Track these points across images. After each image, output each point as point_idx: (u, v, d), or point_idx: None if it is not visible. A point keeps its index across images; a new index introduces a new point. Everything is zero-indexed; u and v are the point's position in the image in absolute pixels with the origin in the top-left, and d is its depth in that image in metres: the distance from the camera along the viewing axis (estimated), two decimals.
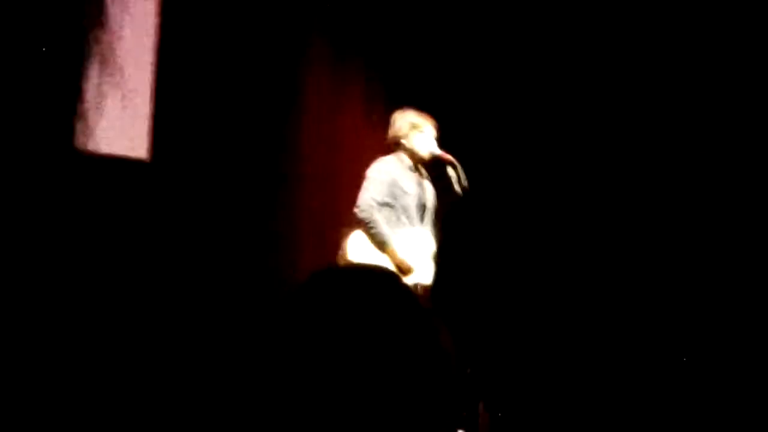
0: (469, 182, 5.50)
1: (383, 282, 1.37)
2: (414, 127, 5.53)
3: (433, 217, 5.59)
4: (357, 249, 5.30)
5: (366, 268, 1.42)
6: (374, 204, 5.28)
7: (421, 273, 5.40)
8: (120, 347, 4.94)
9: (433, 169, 5.67)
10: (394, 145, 5.59)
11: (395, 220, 5.37)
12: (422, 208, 5.53)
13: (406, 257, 5.30)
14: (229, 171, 5.79)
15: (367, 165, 5.63)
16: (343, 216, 5.47)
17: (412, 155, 5.56)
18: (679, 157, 6.05)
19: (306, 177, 6.31)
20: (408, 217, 5.42)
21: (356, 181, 5.50)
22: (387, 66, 6.81)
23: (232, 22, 5.86)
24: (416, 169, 5.62)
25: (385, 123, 5.86)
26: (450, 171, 5.51)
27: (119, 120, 5.12)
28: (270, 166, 6.07)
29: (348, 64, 6.61)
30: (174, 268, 5.34)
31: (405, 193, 5.40)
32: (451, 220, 5.61)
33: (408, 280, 5.27)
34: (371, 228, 5.26)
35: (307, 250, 6.19)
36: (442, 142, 5.67)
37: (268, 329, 1.30)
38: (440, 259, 5.55)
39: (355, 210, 5.30)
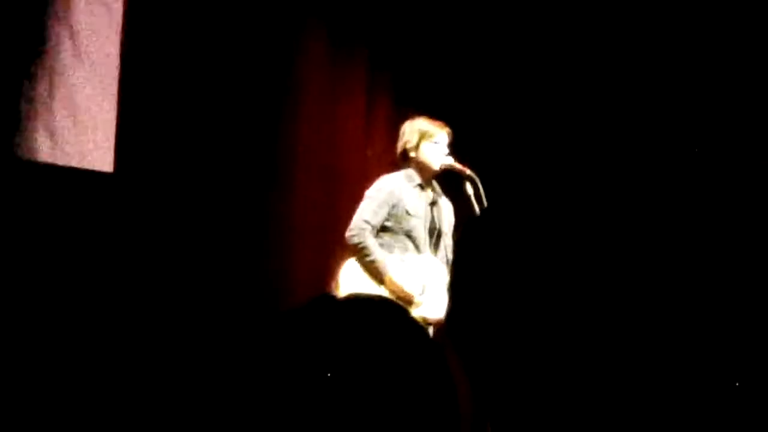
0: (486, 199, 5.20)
1: (386, 313, 1.33)
2: (424, 136, 5.23)
3: (451, 243, 5.30)
4: (351, 279, 5.13)
5: (366, 298, 1.37)
6: (367, 227, 5.10)
7: (429, 306, 5.13)
8: (82, 369, 4.94)
9: (447, 185, 5.39)
10: (403, 160, 5.31)
11: (400, 246, 5.17)
12: (434, 232, 5.28)
13: (408, 286, 5.09)
14: (212, 178, 5.61)
15: (369, 171, 5.57)
16: (342, 234, 5.25)
17: (422, 169, 5.26)
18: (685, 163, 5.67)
19: (300, 185, 6.05)
20: (415, 244, 5.19)
21: (358, 185, 5.34)
22: (395, 57, 6.47)
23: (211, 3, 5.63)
24: (428, 187, 5.32)
25: (392, 123, 5.78)
26: (467, 187, 5.21)
27: (82, 130, 5.09)
28: (258, 172, 5.86)
29: (348, 55, 6.32)
30: (150, 285, 5.27)
31: (410, 215, 5.17)
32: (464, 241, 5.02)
33: (414, 313, 4.98)
34: (364, 254, 5.09)
35: (300, 271, 5.93)
36: (458, 152, 5.33)
37: (256, 364, 1.27)
38: (456, 288, 4.86)
39: (347, 234, 5.13)
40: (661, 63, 6.29)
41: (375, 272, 5.09)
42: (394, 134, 5.47)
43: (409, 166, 5.28)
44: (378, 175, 5.34)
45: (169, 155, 5.44)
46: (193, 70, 5.51)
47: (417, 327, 1.33)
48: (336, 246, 5.38)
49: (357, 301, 1.36)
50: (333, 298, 1.37)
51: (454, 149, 5.31)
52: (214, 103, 5.59)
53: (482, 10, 6.50)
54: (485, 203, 5.19)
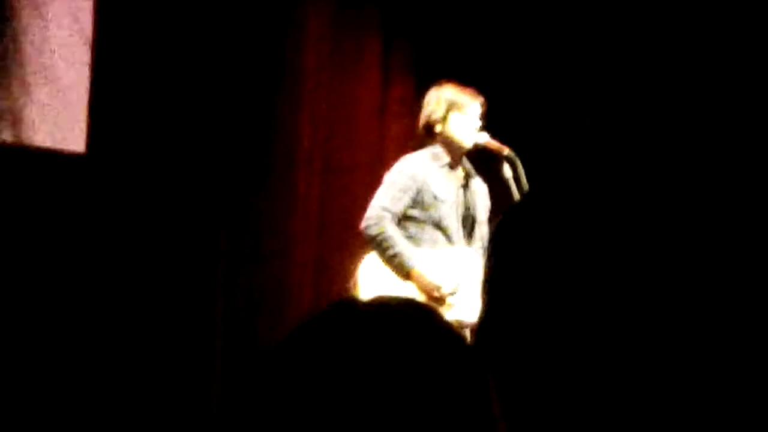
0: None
1: (415, 318, 1.23)
2: (453, 106, 4.84)
3: (487, 231, 4.91)
4: (372, 278, 4.82)
5: (391, 301, 1.27)
6: (386, 214, 4.76)
7: (465, 306, 4.77)
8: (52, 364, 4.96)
9: (481, 163, 5.01)
10: (427, 136, 4.91)
11: (429, 239, 4.83)
12: (468, 220, 4.93)
13: (440, 281, 4.73)
14: (196, 168, 5.48)
15: (386, 157, 5.39)
16: (355, 231, 4.95)
17: (451, 147, 4.86)
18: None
19: (300, 173, 5.83)
20: (446, 234, 4.84)
21: (374, 182, 5.00)
22: (414, 23, 6.19)
23: None
24: (458, 166, 4.91)
25: (410, 99, 5.60)
26: (505, 168, 4.82)
27: (52, 110, 5.10)
28: (251, 164, 5.70)
29: (358, 17, 6.09)
30: (118, 281, 5.19)
31: (438, 200, 4.82)
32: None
33: (447, 315, 4.71)
34: (384, 246, 4.74)
35: (299, 279, 5.77)
36: (493, 127, 4.93)
37: (261, 386, 1.20)
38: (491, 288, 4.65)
39: (362, 225, 4.78)
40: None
41: (399, 267, 4.76)
42: (415, 111, 5.13)
43: (435, 143, 4.88)
44: (396, 159, 5.00)
45: (152, 141, 5.42)
46: (177, 48, 5.43)
47: (451, 334, 1.26)
48: (348, 242, 5.13)
49: (381, 305, 1.29)
50: (353, 304, 1.31)
51: (489, 123, 4.91)
52: (195, 82, 5.50)
53: None
54: (525, 186, 4.82)
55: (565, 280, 1.02)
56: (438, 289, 4.76)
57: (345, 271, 5.02)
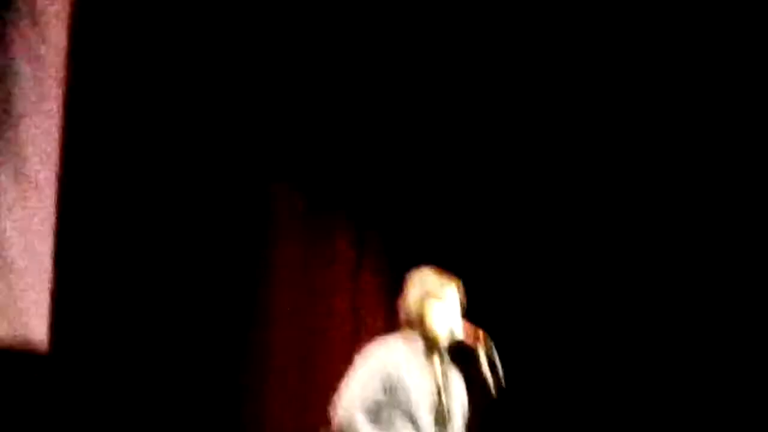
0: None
1: None
2: (429, 294, 4.64)
3: (463, 425, 4.68)
4: None
5: None
6: (358, 405, 4.52)
7: None
8: None
9: (459, 350, 4.75)
10: (406, 324, 4.71)
11: (399, 427, 4.54)
12: (442, 413, 4.65)
13: None
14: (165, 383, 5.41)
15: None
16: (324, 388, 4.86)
17: (427, 334, 4.65)
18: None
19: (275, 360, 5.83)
20: (417, 426, 4.56)
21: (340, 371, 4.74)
22: (381, 209, 6.34)
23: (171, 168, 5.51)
24: (435, 354, 4.68)
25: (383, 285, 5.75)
26: (482, 358, 4.60)
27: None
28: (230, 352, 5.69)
29: (325, 218, 6.17)
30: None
31: (409, 389, 4.56)
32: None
33: None
34: None
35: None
36: (472, 311, 4.73)
37: None
38: None
39: (334, 413, 4.54)
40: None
41: None
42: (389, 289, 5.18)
43: (411, 329, 4.67)
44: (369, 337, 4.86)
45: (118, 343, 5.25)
46: (144, 240, 5.39)
47: None
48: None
49: None
50: None
51: (467, 304, 4.73)
52: (172, 275, 5.44)
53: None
54: (503, 382, 4.59)
55: None
56: None
57: None
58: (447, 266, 4.78)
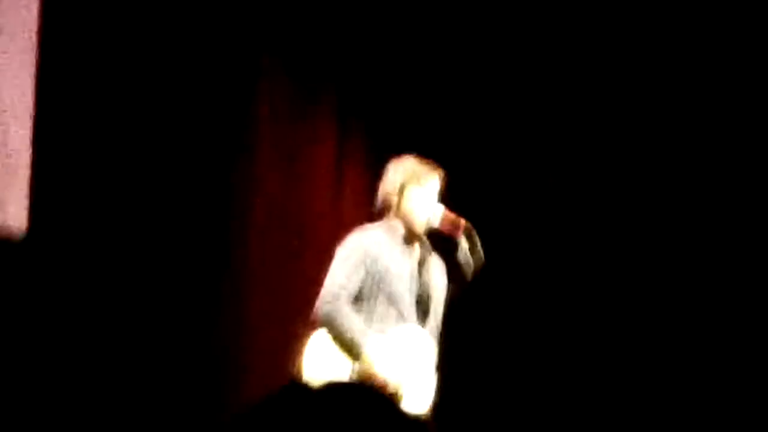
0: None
1: (368, 405, 1.24)
2: (410, 180, 4.64)
3: (442, 311, 4.71)
4: (318, 361, 4.56)
5: (345, 387, 1.31)
6: (342, 293, 4.54)
7: (413, 396, 4.56)
8: None
9: (439, 237, 4.76)
10: (384, 208, 4.71)
11: (380, 313, 4.58)
12: (422, 297, 4.68)
13: (385, 378, 4.50)
14: (149, 242, 5.33)
15: (342, 226, 5.15)
16: (303, 313, 4.73)
17: (407, 220, 4.65)
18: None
19: (252, 250, 5.72)
20: (398, 310, 4.59)
21: (323, 263, 4.75)
22: (366, 98, 6.20)
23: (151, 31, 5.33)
24: (415, 241, 4.69)
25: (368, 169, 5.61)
26: (460, 250, 4.62)
27: None
28: (209, 233, 5.57)
29: (314, 101, 6.08)
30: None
31: (392, 275, 4.58)
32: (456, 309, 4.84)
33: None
34: (337, 326, 4.51)
35: (258, 349, 5.66)
36: (452, 199, 4.73)
37: None
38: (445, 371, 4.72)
39: (318, 303, 4.55)
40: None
41: (349, 349, 4.53)
42: (371, 181, 5.01)
43: (390, 216, 4.67)
44: (352, 228, 4.80)
45: (99, 211, 5.21)
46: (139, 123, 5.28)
47: (403, 418, 1.24)
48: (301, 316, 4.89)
49: (332, 389, 1.28)
50: (305, 388, 1.29)
51: (449, 194, 4.72)
52: (153, 160, 5.34)
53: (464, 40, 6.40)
54: (482, 260, 4.64)
55: (519, 361, 1.25)
56: (383, 386, 4.52)
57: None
58: (431, 157, 4.81)
